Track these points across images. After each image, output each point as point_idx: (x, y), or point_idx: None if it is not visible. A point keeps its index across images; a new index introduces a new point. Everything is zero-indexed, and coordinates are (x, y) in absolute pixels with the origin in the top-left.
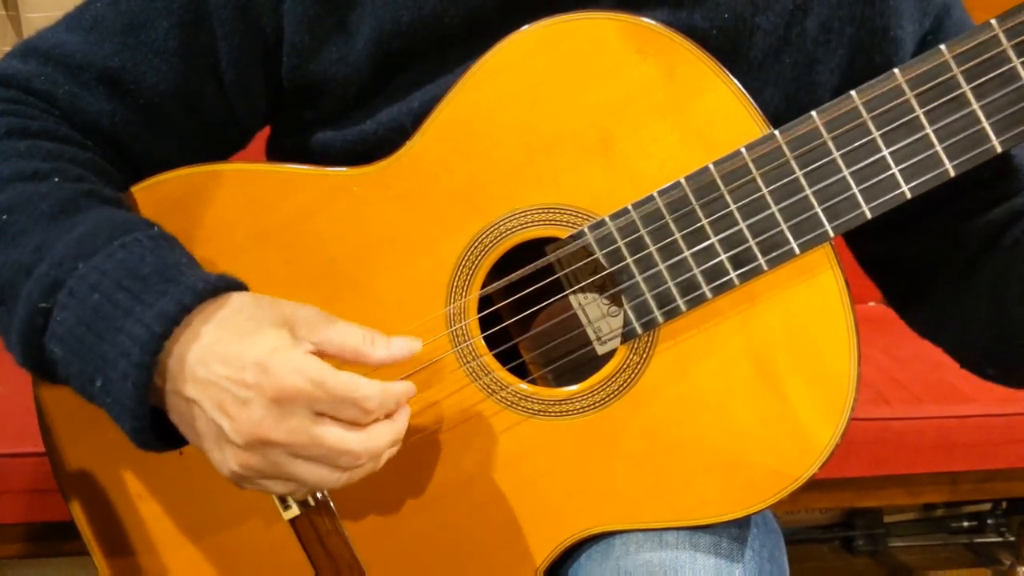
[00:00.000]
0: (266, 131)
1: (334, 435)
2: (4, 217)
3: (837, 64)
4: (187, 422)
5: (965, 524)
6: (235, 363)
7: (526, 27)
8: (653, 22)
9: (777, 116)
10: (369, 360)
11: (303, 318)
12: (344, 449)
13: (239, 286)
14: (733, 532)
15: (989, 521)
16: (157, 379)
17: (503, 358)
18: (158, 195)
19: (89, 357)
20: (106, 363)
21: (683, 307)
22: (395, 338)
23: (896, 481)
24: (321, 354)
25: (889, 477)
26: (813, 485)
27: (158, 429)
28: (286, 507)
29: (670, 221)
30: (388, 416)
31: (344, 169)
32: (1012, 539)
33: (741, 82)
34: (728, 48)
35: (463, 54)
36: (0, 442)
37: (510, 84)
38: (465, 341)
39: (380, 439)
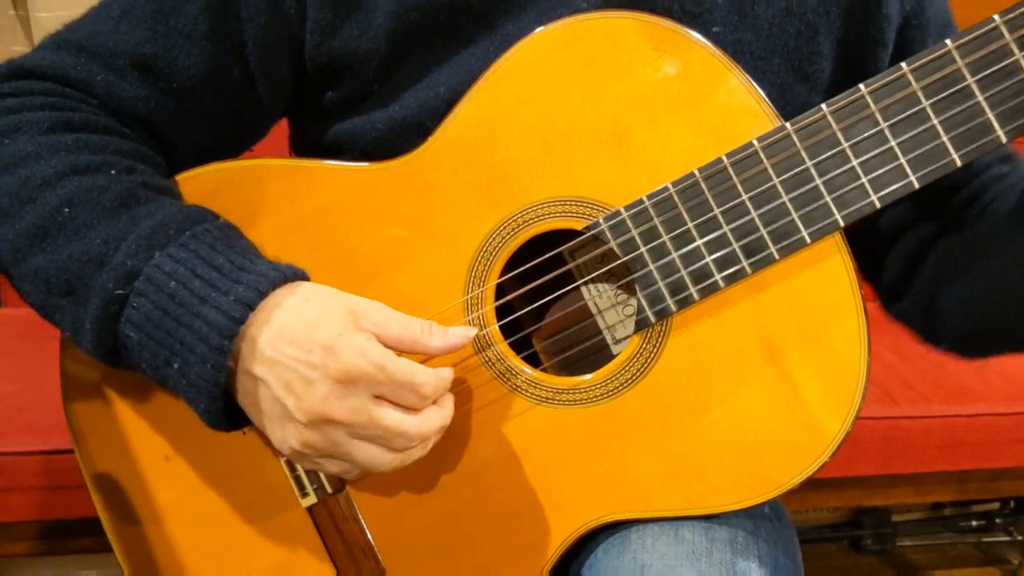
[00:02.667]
0: (287, 132)
1: (392, 417)
2: (66, 211)
3: (835, 36)
4: (252, 401)
5: (973, 523)
6: (303, 345)
7: (545, 26)
8: (670, 21)
9: (784, 87)
10: (428, 349)
11: (366, 308)
12: (400, 431)
13: (304, 275)
14: (748, 526)
15: (997, 520)
16: (230, 361)
17: (517, 348)
18: (190, 189)
19: (166, 342)
20: (184, 347)
21: (696, 295)
22: (451, 328)
23: (904, 480)
24: (382, 342)
25: (897, 476)
26: (821, 484)
27: (226, 410)
28: (304, 494)
29: (683, 210)
30: (435, 403)
31: (367, 164)
32: (1020, 538)
33: (751, 49)
34: (736, 14)
35: (483, 28)
36: (9, 440)
37: (529, 81)
38: (482, 329)
39: (432, 423)
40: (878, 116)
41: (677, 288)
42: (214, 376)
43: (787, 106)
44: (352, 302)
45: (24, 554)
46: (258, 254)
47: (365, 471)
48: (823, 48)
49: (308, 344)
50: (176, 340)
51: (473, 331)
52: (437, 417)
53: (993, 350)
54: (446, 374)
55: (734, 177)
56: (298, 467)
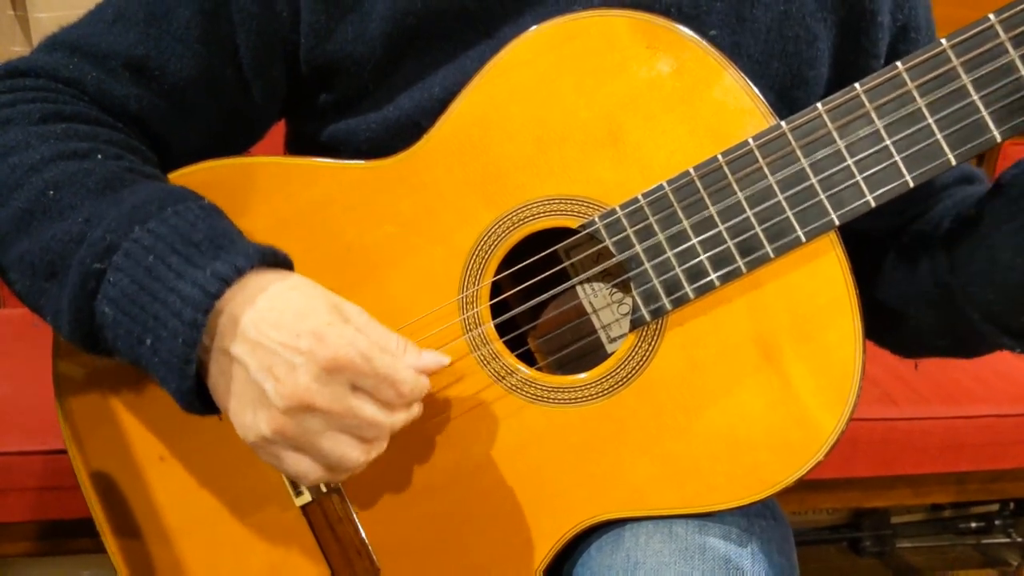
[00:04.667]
0: (284, 130)
1: (369, 407)
2: (51, 193)
3: (831, 42)
4: (224, 381)
5: (973, 525)
6: (291, 330)
7: (539, 25)
8: (663, 19)
9: (783, 91)
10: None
11: (350, 310)
12: (375, 421)
13: (286, 259)
14: (742, 524)
15: (997, 522)
16: (205, 338)
17: (512, 346)
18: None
19: (140, 317)
20: (157, 322)
21: (691, 294)
22: (426, 350)
23: (903, 481)
24: None
25: (896, 477)
26: (819, 485)
27: (201, 393)
28: (298, 493)
29: (679, 209)
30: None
31: (361, 162)
32: (1020, 540)
33: (749, 52)
34: (734, 17)
35: (479, 32)
36: (7, 440)
37: (523, 80)
38: (476, 328)
39: (402, 420)
40: (873, 115)
41: (672, 287)
42: (185, 352)
43: (785, 111)
44: (337, 300)
45: (21, 554)
46: (240, 235)
47: (328, 469)
48: (822, 54)
49: (296, 329)
50: (150, 315)
51: (447, 359)
52: (404, 417)
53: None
54: (425, 381)
55: (729, 176)
56: None
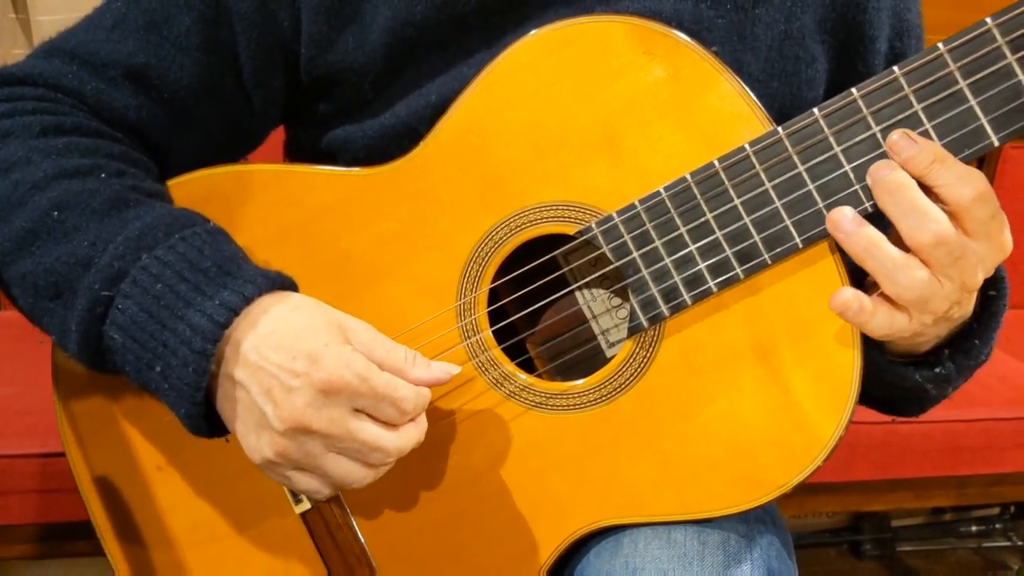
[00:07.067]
0: (283, 135)
1: (370, 431)
2: (55, 214)
3: (828, 66)
4: (230, 406)
5: (973, 528)
6: (287, 352)
7: (537, 30)
8: (660, 25)
9: (782, 111)
10: (407, 377)
11: (354, 326)
12: (378, 445)
13: (292, 283)
14: (741, 530)
15: (997, 525)
16: (212, 364)
17: (511, 353)
18: (182, 194)
19: (150, 344)
20: (167, 350)
21: (689, 301)
22: (435, 362)
23: (903, 485)
24: None
25: (896, 481)
26: (820, 489)
27: (209, 416)
28: (298, 501)
29: (675, 216)
30: (412, 420)
31: (359, 169)
32: (1020, 543)
33: (750, 71)
34: (735, 34)
35: (479, 43)
36: (6, 443)
37: (520, 85)
38: (475, 335)
39: (409, 439)
40: (870, 120)
41: (670, 293)
42: (195, 380)
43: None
44: (340, 316)
45: (21, 557)
46: (246, 259)
47: (336, 487)
48: (820, 75)
49: (293, 352)
50: (159, 343)
51: (457, 369)
52: (414, 433)
53: None
54: (426, 392)
55: (726, 182)
56: None
